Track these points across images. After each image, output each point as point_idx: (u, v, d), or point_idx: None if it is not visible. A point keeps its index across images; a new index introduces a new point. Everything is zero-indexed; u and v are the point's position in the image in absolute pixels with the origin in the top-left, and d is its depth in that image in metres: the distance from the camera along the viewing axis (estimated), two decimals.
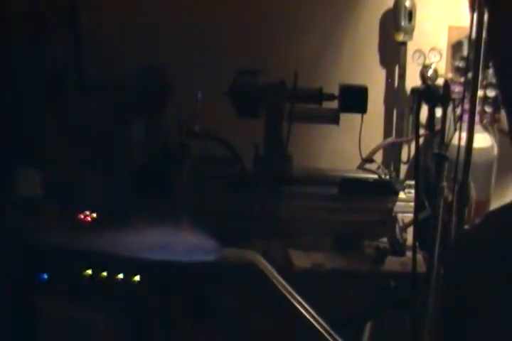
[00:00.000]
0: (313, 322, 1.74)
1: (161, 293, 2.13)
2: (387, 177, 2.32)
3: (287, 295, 1.73)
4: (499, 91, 0.92)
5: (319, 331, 1.73)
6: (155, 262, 1.66)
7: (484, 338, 0.77)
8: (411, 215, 2.13)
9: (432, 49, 2.46)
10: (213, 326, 2.17)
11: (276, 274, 1.74)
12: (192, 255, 1.66)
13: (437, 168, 1.95)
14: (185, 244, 1.65)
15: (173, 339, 2.19)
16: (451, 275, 0.85)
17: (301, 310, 1.73)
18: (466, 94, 1.95)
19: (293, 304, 1.72)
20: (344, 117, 2.24)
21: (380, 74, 2.67)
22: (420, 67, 2.40)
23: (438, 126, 2.03)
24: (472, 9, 1.99)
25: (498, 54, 0.79)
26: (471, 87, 1.88)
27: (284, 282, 1.73)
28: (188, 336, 2.17)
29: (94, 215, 2.23)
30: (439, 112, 2.03)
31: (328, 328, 1.75)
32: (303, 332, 2.11)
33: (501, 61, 0.79)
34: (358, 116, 2.24)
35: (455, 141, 1.98)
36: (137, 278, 2.12)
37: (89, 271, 2.13)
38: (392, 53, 2.61)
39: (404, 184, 2.29)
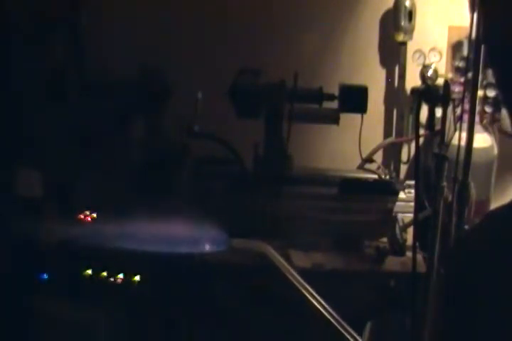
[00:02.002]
0: (323, 312, 1.73)
1: (161, 293, 2.13)
2: (387, 177, 2.31)
3: (296, 283, 1.72)
4: (498, 90, 0.92)
5: (329, 321, 1.72)
6: (167, 254, 1.65)
7: (485, 337, 0.77)
8: (411, 215, 2.13)
9: (432, 49, 2.46)
10: (213, 326, 2.17)
11: (285, 263, 1.73)
12: (203, 246, 1.65)
13: (437, 168, 1.95)
14: (196, 235, 1.65)
15: (173, 339, 2.19)
16: (452, 274, 0.85)
17: (311, 298, 1.72)
18: (466, 94, 1.95)
19: (303, 293, 1.71)
20: (344, 117, 2.24)
21: (380, 74, 2.67)
22: (420, 67, 2.40)
23: (438, 126, 2.03)
24: (472, 9, 1.98)
25: (495, 53, 0.79)
26: (471, 87, 1.88)
27: (293, 271, 1.72)
28: (188, 336, 2.18)
29: (94, 215, 2.23)
30: (439, 112, 2.03)
31: (338, 318, 1.74)
32: (308, 329, 2.11)
33: (500, 60, 0.79)
34: (358, 116, 2.24)
35: (455, 141, 1.97)
36: (137, 278, 2.12)
37: (89, 271, 2.13)
38: (392, 53, 2.61)
39: (404, 184, 2.29)
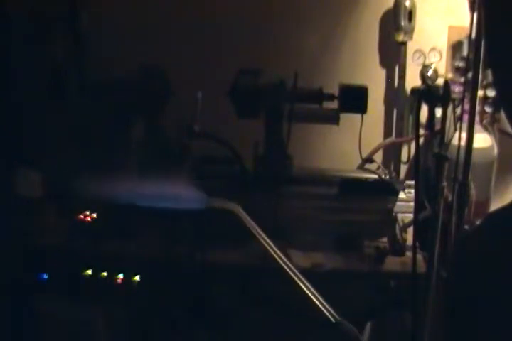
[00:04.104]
0: (291, 274, 1.73)
1: (161, 293, 2.13)
2: (387, 177, 2.31)
3: (264, 243, 1.74)
4: (497, 91, 0.91)
5: (296, 283, 1.72)
6: (147, 209, 1.70)
7: (486, 339, 0.77)
8: (411, 215, 2.13)
9: (432, 49, 2.46)
10: (213, 326, 2.17)
11: (255, 225, 1.76)
12: (181, 203, 1.71)
13: (437, 168, 1.95)
14: (175, 192, 1.71)
15: (173, 339, 2.19)
16: (454, 276, 0.85)
17: (275, 256, 1.73)
18: (466, 94, 1.95)
19: (270, 254, 1.73)
20: (344, 117, 2.24)
21: (380, 74, 2.67)
22: (420, 67, 2.40)
23: (438, 126, 2.03)
24: (472, 9, 1.98)
25: (496, 52, 0.79)
26: (471, 87, 1.88)
27: (260, 231, 1.74)
28: (188, 336, 2.18)
29: (94, 215, 2.23)
30: (439, 112, 2.03)
31: (302, 278, 1.74)
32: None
33: (502, 60, 0.79)
34: (358, 116, 2.24)
35: (455, 141, 1.97)
36: (137, 278, 2.13)
37: (89, 271, 2.13)
38: (392, 53, 2.61)
39: (404, 184, 2.29)
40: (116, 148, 2.33)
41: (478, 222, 2.09)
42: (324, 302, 1.68)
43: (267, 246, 1.70)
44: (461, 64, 2.40)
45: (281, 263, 1.70)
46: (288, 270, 1.71)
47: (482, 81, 2.27)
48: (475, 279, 0.79)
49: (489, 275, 0.77)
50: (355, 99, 2.20)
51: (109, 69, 2.43)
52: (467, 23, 1.88)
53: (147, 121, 2.37)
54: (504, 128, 2.42)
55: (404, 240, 2.23)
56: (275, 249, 1.71)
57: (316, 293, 1.69)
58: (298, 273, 1.72)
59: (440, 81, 2.23)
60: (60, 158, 2.31)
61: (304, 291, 1.69)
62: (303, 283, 1.72)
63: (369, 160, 2.44)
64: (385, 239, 2.25)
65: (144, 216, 2.12)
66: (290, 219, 2.16)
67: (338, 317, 1.64)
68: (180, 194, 1.69)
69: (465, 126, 1.95)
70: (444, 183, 1.95)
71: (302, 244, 2.19)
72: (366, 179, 2.29)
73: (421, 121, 2.05)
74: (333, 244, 2.20)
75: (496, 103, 2.34)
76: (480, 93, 2.21)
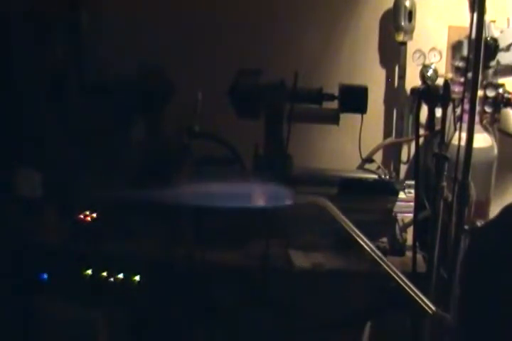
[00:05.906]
0: (382, 263, 1.73)
1: (161, 293, 2.13)
2: (387, 177, 2.31)
3: (357, 237, 1.73)
4: None
5: (386, 271, 1.73)
6: (236, 208, 1.68)
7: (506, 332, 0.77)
8: (411, 215, 2.13)
9: (432, 49, 2.46)
10: (213, 326, 2.17)
11: (343, 217, 1.75)
12: (270, 201, 1.71)
13: (437, 168, 1.95)
14: (263, 191, 1.70)
15: (173, 339, 2.20)
16: (471, 265, 0.85)
17: (370, 251, 1.73)
18: (466, 94, 1.95)
19: (361, 245, 1.72)
20: (344, 117, 2.24)
21: (380, 74, 2.67)
22: (420, 67, 2.40)
23: (438, 126, 2.03)
24: (472, 9, 1.98)
25: None
26: (471, 87, 1.88)
27: (352, 225, 1.74)
28: (188, 336, 2.18)
29: (94, 215, 2.23)
30: (439, 112, 2.03)
31: (387, 262, 1.74)
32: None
33: None
34: (358, 116, 2.24)
35: (455, 141, 1.97)
36: (137, 278, 2.13)
37: (89, 271, 2.14)
38: (392, 53, 2.61)
39: (404, 184, 2.29)
40: (116, 148, 2.33)
41: (477, 221, 2.10)
42: (420, 294, 1.68)
43: (360, 241, 1.70)
44: (461, 64, 2.40)
45: (375, 257, 1.70)
46: (383, 264, 1.71)
47: (482, 81, 2.27)
48: (493, 267, 0.79)
49: (507, 263, 0.77)
50: (355, 99, 2.20)
51: (109, 69, 2.43)
52: (467, 23, 1.88)
53: (147, 121, 2.37)
54: (504, 128, 2.42)
55: (404, 240, 2.23)
56: (368, 243, 1.71)
57: (409, 284, 1.69)
58: (392, 266, 1.71)
59: (440, 81, 2.22)
60: (60, 158, 2.31)
61: (398, 282, 1.70)
62: (397, 275, 1.72)
63: (369, 160, 2.44)
64: (385, 239, 2.25)
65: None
66: (290, 219, 2.16)
67: (433, 308, 1.65)
68: (269, 192, 1.69)
69: (465, 126, 1.95)
70: (444, 183, 1.95)
71: (302, 244, 2.19)
72: (366, 179, 2.29)
73: (421, 121, 2.05)
74: (333, 244, 2.20)
75: (496, 103, 2.34)
76: (480, 93, 2.21)
